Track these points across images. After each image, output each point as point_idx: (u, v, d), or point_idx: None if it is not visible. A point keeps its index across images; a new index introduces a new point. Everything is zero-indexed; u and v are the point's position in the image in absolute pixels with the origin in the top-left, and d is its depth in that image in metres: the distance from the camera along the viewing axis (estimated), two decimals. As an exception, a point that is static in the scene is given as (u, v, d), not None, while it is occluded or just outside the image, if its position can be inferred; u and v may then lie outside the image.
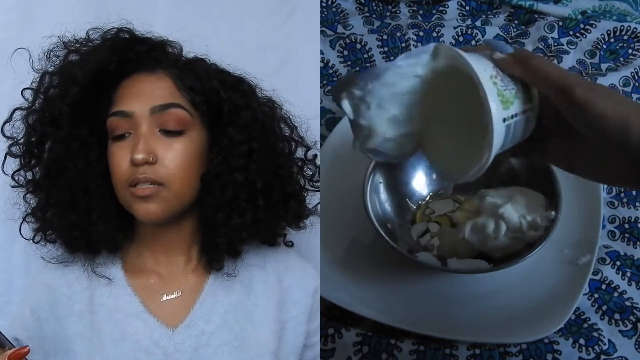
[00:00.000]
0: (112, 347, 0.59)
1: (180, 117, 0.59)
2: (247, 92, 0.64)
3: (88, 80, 0.58)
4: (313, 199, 0.70)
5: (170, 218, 0.59)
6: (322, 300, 0.73)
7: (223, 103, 0.61)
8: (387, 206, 0.84)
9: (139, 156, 0.56)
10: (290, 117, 0.67)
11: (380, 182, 0.83)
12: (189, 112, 0.59)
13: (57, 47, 0.61)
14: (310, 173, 0.69)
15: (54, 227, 0.62)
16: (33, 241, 0.63)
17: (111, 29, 0.62)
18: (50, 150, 0.61)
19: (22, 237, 0.64)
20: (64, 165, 0.59)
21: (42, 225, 0.62)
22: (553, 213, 0.76)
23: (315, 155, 0.68)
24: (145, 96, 0.59)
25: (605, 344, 0.73)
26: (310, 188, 0.69)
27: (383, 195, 0.84)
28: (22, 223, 0.63)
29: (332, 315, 0.78)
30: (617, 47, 1.04)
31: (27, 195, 0.63)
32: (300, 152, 0.68)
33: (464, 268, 0.75)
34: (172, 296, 0.61)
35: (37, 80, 0.61)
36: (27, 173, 0.62)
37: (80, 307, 0.60)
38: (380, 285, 0.79)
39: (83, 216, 0.60)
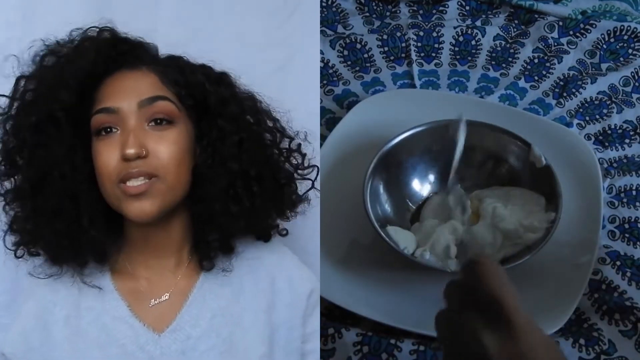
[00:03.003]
0: (97, 351, 0.59)
1: (168, 110, 0.58)
2: (231, 85, 0.64)
3: (78, 84, 0.57)
4: (301, 188, 0.69)
5: (162, 215, 0.58)
6: (322, 300, 0.73)
7: (209, 96, 0.61)
8: (387, 207, 0.84)
9: (131, 150, 0.55)
10: (270, 109, 0.67)
11: (380, 183, 0.83)
12: (175, 105, 0.59)
13: (42, 50, 0.60)
14: (297, 162, 0.68)
15: (41, 238, 0.60)
16: (15, 257, 0.61)
17: (91, 27, 0.61)
18: (33, 156, 0.58)
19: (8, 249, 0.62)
20: (49, 172, 0.57)
21: (27, 237, 0.61)
22: (553, 214, 0.76)
23: (299, 145, 0.68)
24: (132, 91, 0.58)
25: (605, 344, 0.73)
26: (298, 177, 0.68)
27: (383, 195, 0.84)
28: (4, 235, 0.62)
29: (332, 315, 0.78)
30: (617, 47, 1.04)
31: (7, 206, 0.61)
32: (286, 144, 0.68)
33: None
34: (160, 300, 0.61)
35: (13, 84, 0.60)
36: (7, 182, 0.60)
37: (67, 312, 0.60)
38: (380, 285, 0.79)
39: (72, 224, 0.58)
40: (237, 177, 0.60)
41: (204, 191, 0.60)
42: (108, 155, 0.57)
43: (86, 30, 0.61)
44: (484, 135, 0.85)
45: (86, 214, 0.58)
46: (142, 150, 0.56)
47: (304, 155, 0.68)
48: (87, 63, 0.58)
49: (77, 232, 0.58)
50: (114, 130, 0.57)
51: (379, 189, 0.83)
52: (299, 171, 0.68)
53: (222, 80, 0.63)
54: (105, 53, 0.59)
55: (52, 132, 0.57)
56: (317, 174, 0.69)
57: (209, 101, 0.61)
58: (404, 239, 0.79)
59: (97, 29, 0.62)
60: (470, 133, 0.86)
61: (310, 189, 0.69)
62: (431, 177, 0.87)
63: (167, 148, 0.57)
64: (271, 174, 0.64)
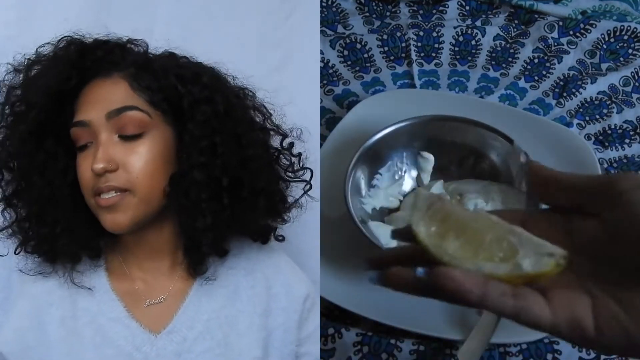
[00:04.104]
0: (93, 352, 0.58)
1: (137, 119, 0.57)
2: (208, 84, 0.60)
3: (47, 101, 0.57)
4: (294, 191, 0.67)
5: (139, 226, 0.58)
6: (322, 300, 0.73)
7: (183, 98, 0.59)
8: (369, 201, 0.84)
9: (98, 165, 0.55)
10: (265, 105, 0.65)
11: (362, 178, 0.84)
12: (146, 112, 0.57)
13: (9, 74, 0.60)
14: (287, 163, 0.66)
15: (29, 241, 0.61)
16: (15, 253, 0.62)
17: (62, 38, 0.60)
18: (18, 164, 0.60)
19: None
20: (30, 179, 0.58)
21: (21, 238, 0.61)
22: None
23: (291, 144, 0.66)
24: (101, 102, 0.57)
25: (605, 344, 0.73)
26: (287, 178, 0.66)
27: (364, 190, 0.84)
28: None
29: (332, 315, 0.78)
30: (617, 47, 1.04)
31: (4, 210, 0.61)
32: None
33: None
34: (156, 301, 0.61)
35: (5, 94, 0.60)
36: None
37: (63, 313, 0.60)
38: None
39: (51, 230, 0.59)
40: (204, 188, 0.58)
41: (175, 202, 0.58)
42: (84, 168, 0.57)
43: (58, 42, 0.60)
44: (465, 130, 0.85)
45: (62, 221, 0.59)
46: (109, 164, 0.56)
47: (298, 156, 0.67)
48: (51, 81, 0.57)
49: (53, 238, 0.59)
50: (88, 145, 0.58)
51: (360, 184, 0.83)
52: (289, 173, 0.66)
53: (197, 80, 0.60)
54: (75, 66, 0.58)
55: (31, 143, 0.58)
56: (311, 176, 0.67)
57: (182, 104, 0.59)
58: (385, 234, 0.79)
59: (66, 41, 0.60)
60: (452, 128, 0.86)
61: (302, 195, 0.67)
62: (413, 173, 0.87)
63: (137, 161, 0.57)
64: (249, 181, 0.60)
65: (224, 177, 0.58)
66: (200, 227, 0.58)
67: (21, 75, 0.60)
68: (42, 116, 0.57)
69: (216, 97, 0.60)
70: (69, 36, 0.61)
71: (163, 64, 0.60)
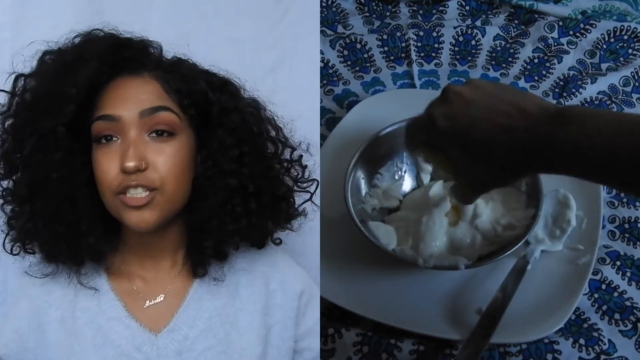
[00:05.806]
0: (93, 352, 0.58)
1: (170, 121, 0.57)
2: (234, 93, 0.62)
3: (80, 96, 0.56)
4: (299, 200, 0.68)
5: (162, 226, 0.58)
6: (322, 300, 0.73)
7: (212, 105, 0.59)
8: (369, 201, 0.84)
9: (131, 164, 0.54)
10: (275, 118, 0.66)
11: (362, 178, 0.84)
12: (177, 115, 0.58)
13: (43, 52, 0.59)
14: (296, 174, 0.67)
15: (38, 239, 0.60)
16: (11, 254, 0.61)
17: (93, 30, 0.60)
18: (32, 159, 0.57)
19: (6, 251, 0.61)
20: (47, 175, 0.57)
21: (23, 235, 0.60)
22: (533, 210, 0.76)
23: (300, 156, 0.67)
24: (133, 100, 0.57)
25: (605, 344, 0.73)
26: (297, 189, 0.67)
27: (364, 190, 0.84)
28: (5, 237, 0.61)
29: (332, 315, 0.78)
30: (617, 47, 1.04)
31: (5, 205, 0.60)
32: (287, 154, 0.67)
33: (442, 264, 0.76)
34: (156, 301, 0.61)
35: (12, 82, 0.59)
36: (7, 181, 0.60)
37: (62, 313, 0.60)
38: (380, 285, 0.79)
39: (70, 227, 0.57)
40: (235, 194, 0.59)
41: (200, 204, 0.59)
42: (107, 165, 0.56)
43: (88, 34, 0.60)
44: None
45: (85, 219, 0.57)
46: (141, 163, 0.55)
47: (304, 168, 0.67)
48: (89, 74, 0.57)
49: (75, 236, 0.58)
50: (114, 138, 0.57)
51: (360, 184, 0.84)
52: (298, 184, 0.67)
53: (225, 88, 0.61)
54: (108, 61, 0.58)
55: (50, 137, 0.56)
56: (317, 188, 0.68)
57: (211, 111, 0.59)
58: (385, 234, 0.79)
59: (99, 33, 0.60)
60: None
61: (306, 201, 0.68)
62: (413, 173, 0.88)
63: (166, 161, 0.56)
64: (270, 189, 0.62)
65: (250, 184, 0.59)
66: (230, 230, 0.59)
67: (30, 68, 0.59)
68: (76, 112, 0.56)
69: (241, 107, 0.61)
70: (99, 29, 0.60)
71: (190, 68, 0.61)
